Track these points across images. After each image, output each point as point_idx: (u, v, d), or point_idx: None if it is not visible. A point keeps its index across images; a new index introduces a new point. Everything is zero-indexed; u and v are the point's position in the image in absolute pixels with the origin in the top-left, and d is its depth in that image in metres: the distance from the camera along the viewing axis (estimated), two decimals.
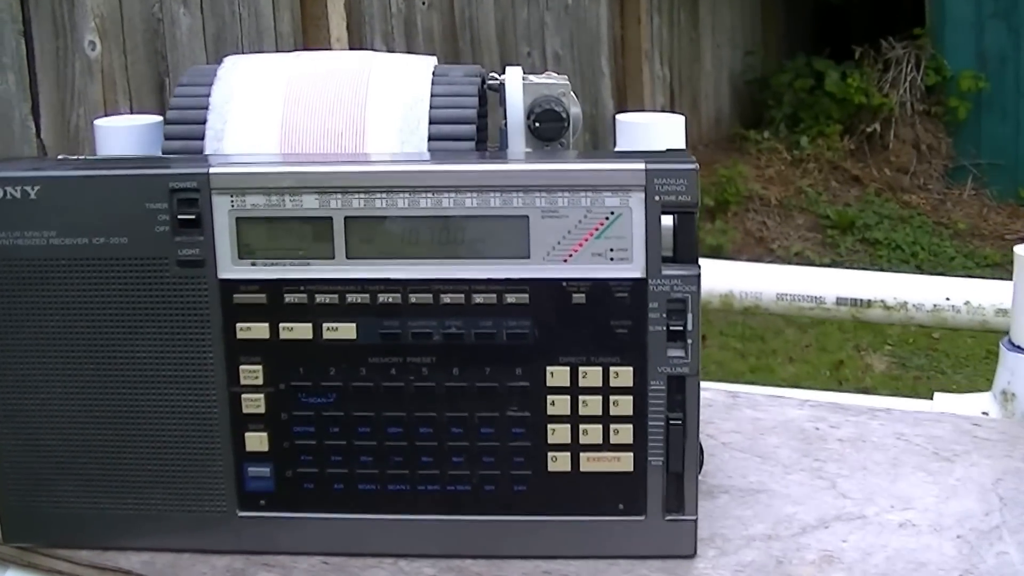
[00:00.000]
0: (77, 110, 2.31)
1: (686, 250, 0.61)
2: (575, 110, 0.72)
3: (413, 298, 0.62)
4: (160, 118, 0.74)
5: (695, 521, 0.64)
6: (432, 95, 0.70)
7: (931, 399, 1.02)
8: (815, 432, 0.82)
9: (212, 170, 0.61)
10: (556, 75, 0.72)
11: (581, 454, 0.63)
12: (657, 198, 0.60)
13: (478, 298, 0.62)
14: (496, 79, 0.72)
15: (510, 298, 0.62)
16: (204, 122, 0.69)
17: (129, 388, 0.63)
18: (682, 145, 0.75)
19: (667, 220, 0.62)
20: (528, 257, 0.61)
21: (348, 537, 0.65)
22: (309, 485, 0.64)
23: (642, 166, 0.60)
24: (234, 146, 0.68)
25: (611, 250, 0.61)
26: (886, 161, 4.53)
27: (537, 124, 0.70)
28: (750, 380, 2.76)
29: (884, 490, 0.73)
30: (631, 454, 0.63)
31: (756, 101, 4.86)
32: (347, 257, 0.62)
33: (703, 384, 0.91)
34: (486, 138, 0.76)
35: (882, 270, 3.70)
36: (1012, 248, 0.97)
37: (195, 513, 0.65)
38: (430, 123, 0.69)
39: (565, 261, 0.61)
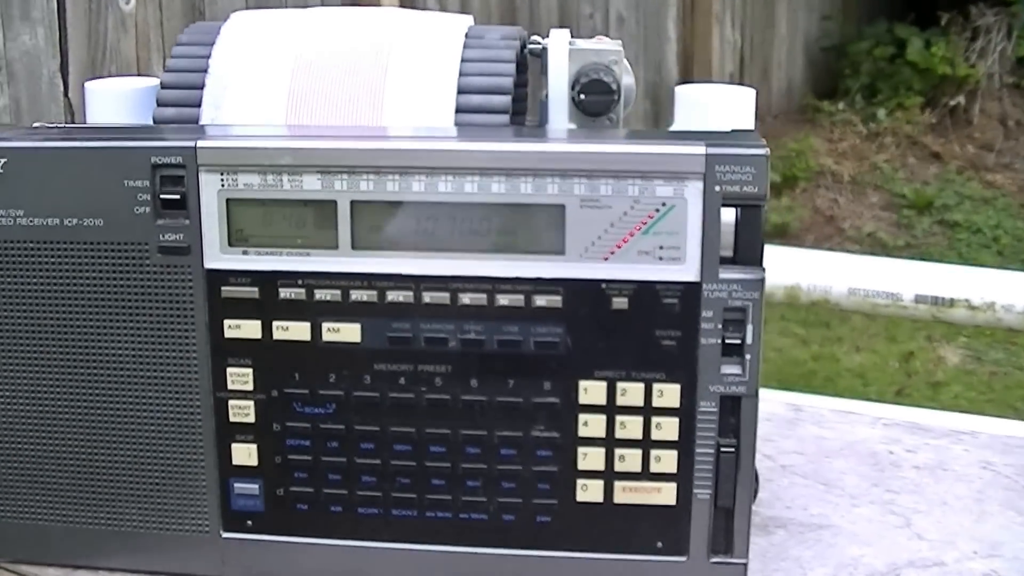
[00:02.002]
0: (108, 67, 2.27)
1: (749, 250, 0.54)
2: (627, 80, 0.65)
3: (427, 297, 0.55)
4: (157, 81, 0.68)
5: (745, 565, 0.57)
6: (463, 60, 0.63)
7: (1009, 399, 0.94)
8: (888, 457, 0.75)
9: (200, 143, 0.55)
10: (609, 40, 0.65)
11: (616, 483, 0.57)
12: (718, 188, 0.53)
13: (503, 299, 0.55)
14: (539, 43, 0.65)
15: (540, 300, 0.55)
16: (202, 87, 0.63)
17: (103, 390, 0.58)
18: (750, 123, 0.68)
19: (727, 214, 0.54)
20: (563, 253, 0.55)
21: (346, 567, 0.59)
22: (303, 506, 0.58)
23: (702, 150, 0.53)
24: (233, 115, 0.62)
25: (660, 248, 0.54)
26: (969, 137, 4.37)
27: (582, 96, 0.63)
28: (812, 369, 2.68)
29: (966, 531, 0.66)
30: (674, 485, 0.56)
31: (831, 70, 4.72)
32: (352, 247, 0.55)
33: (762, 394, 0.84)
34: (525, 111, 0.69)
35: (960, 255, 3.57)
36: None
37: (174, 532, 0.59)
38: (459, 92, 0.62)
39: (606, 259, 0.55)
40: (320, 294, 0.56)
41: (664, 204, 0.54)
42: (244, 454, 0.58)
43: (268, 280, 0.56)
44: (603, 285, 0.55)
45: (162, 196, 0.55)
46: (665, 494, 0.56)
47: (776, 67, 4.57)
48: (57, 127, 0.61)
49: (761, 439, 0.76)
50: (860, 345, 2.98)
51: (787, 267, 1.19)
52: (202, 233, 0.56)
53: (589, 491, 0.57)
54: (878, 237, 3.81)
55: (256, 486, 0.58)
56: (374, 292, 0.56)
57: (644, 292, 0.55)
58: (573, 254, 0.55)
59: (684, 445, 0.56)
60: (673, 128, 0.68)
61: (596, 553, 0.57)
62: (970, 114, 4.41)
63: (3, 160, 0.56)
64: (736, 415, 0.56)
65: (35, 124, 0.63)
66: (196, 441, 0.58)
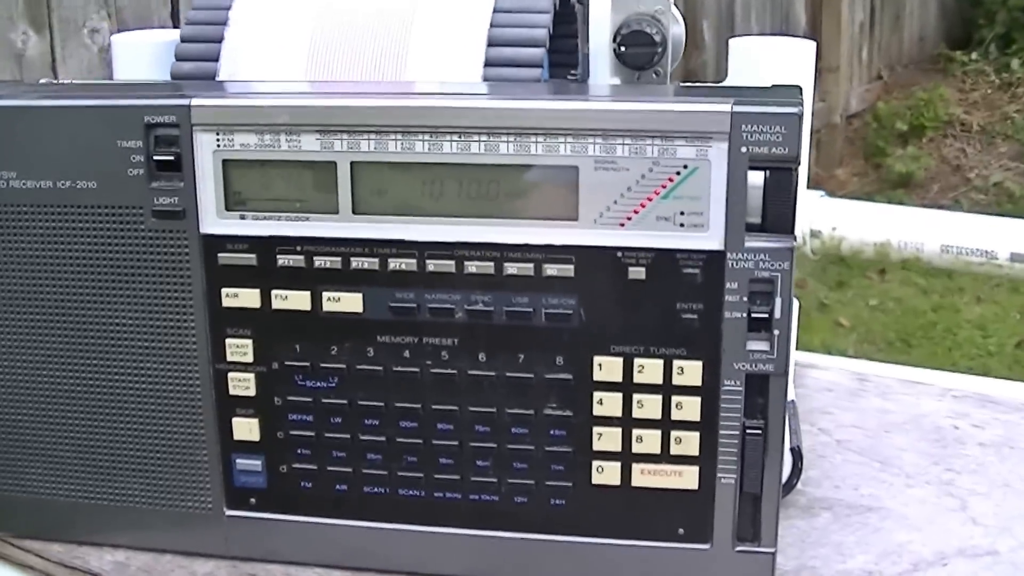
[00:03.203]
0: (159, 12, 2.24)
1: (779, 217, 0.51)
2: (676, 31, 0.61)
3: (431, 265, 0.53)
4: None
5: (773, 555, 0.54)
6: (495, 10, 0.60)
7: None
8: (953, 432, 0.71)
9: (194, 101, 0.53)
10: None
11: (634, 465, 0.54)
12: (744, 149, 0.50)
13: (511, 268, 0.52)
14: None
15: (551, 269, 0.52)
16: (222, 40, 0.61)
17: (101, 359, 0.56)
18: (809, 80, 0.64)
19: (755, 177, 0.51)
20: (576, 219, 0.52)
21: (351, 548, 0.57)
22: (307, 484, 0.56)
23: (727, 107, 0.50)
24: (253, 69, 0.60)
25: (681, 214, 0.51)
26: None
27: (623, 48, 0.59)
28: (932, 320, 2.61)
29: None
30: (696, 468, 0.53)
31: (965, 19, 4.58)
32: (353, 212, 0.53)
33: (827, 362, 0.81)
34: (575, 64, 0.66)
35: None
36: None
37: (178, 509, 0.58)
38: (489, 45, 0.59)
39: (622, 225, 0.51)
40: (320, 261, 0.54)
41: (686, 166, 0.51)
42: (245, 429, 0.56)
43: (266, 246, 0.54)
44: (619, 253, 0.52)
45: (156, 157, 0.54)
46: (687, 478, 0.54)
47: (908, 16, 4.43)
48: (53, 84, 0.59)
49: (819, 412, 0.73)
50: (982, 296, 2.89)
51: (878, 224, 1.14)
52: (197, 196, 0.54)
53: (605, 473, 0.54)
54: (1005, 187, 3.68)
55: (258, 462, 0.57)
56: (376, 260, 0.53)
57: (663, 261, 0.51)
58: (587, 220, 0.52)
59: (707, 426, 0.53)
60: (727, 83, 0.65)
61: (613, 539, 0.55)
62: None
63: None
64: (763, 395, 0.52)
65: (41, 80, 0.62)
66: (196, 414, 0.56)
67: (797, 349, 0.70)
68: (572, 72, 0.64)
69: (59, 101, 0.54)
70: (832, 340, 2.51)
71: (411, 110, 0.52)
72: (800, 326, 0.63)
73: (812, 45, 0.64)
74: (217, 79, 0.61)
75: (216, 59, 0.62)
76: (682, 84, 0.59)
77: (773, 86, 0.55)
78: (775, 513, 0.54)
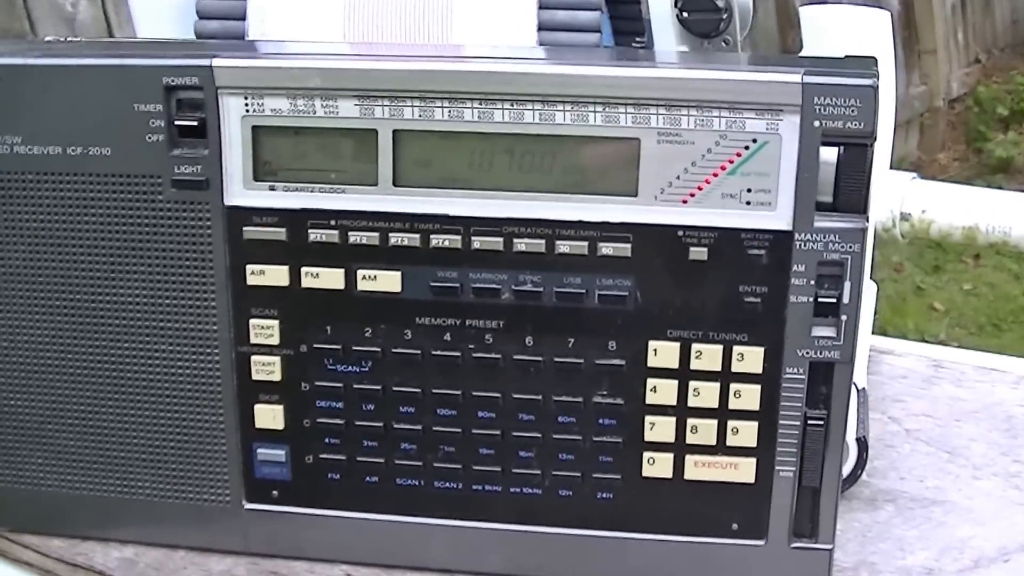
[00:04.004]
0: None
1: (851, 196, 0.48)
2: None
3: (477, 242, 0.50)
4: None
5: (830, 551, 0.52)
6: None
7: None
8: None
9: (217, 62, 0.49)
10: None
11: (687, 457, 0.51)
12: (817, 124, 0.47)
13: (563, 246, 0.50)
14: None
15: (606, 248, 0.49)
16: None
17: (112, 342, 0.53)
18: (886, 52, 0.61)
19: (827, 154, 0.48)
20: (635, 195, 0.49)
21: (382, 544, 0.54)
22: (335, 475, 0.53)
23: (798, 78, 0.47)
24: (284, 27, 0.57)
25: (748, 191, 0.48)
26: None
27: (684, 14, 0.57)
28: (1022, 305, 2.60)
29: None
30: (753, 460, 0.51)
31: None
32: (394, 184, 0.50)
33: (903, 348, 0.78)
34: (641, 31, 0.63)
35: None
36: None
37: (192, 502, 0.54)
38: (540, 7, 0.56)
39: (684, 203, 0.49)
40: (355, 237, 0.50)
41: (755, 140, 0.48)
42: (269, 416, 0.53)
43: (297, 219, 0.51)
44: (680, 232, 0.49)
45: (177, 123, 0.50)
46: (743, 470, 0.51)
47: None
48: (62, 41, 0.55)
49: (891, 400, 0.71)
50: None
51: (966, 207, 1.12)
52: (223, 165, 0.50)
53: (657, 465, 0.51)
54: None
55: (282, 452, 0.53)
56: (417, 236, 0.50)
57: (727, 241, 0.49)
58: (647, 196, 0.49)
59: (766, 416, 0.50)
60: (802, 54, 0.63)
61: (663, 535, 0.52)
62: None
63: None
64: (827, 383, 0.50)
65: (48, 38, 0.57)
66: (215, 400, 0.53)
67: (888, 334, 0.68)
68: (638, 39, 0.62)
69: (69, 60, 0.51)
70: (925, 324, 2.50)
71: (460, 75, 0.49)
72: (894, 310, 0.61)
73: (887, 15, 0.62)
74: (247, 38, 0.58)
75: (242, 16, 0.58)
76: (732, 55, 0.57)
77: (847, 57, 0.53)
78: (834, 508, 0.51)
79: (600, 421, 0.51)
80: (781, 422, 0.50)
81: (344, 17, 0.56)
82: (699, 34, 0.58)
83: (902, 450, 0.65)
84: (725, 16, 0.56)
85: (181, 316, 0.52)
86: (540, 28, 0.57)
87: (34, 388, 0.54)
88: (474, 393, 0.52)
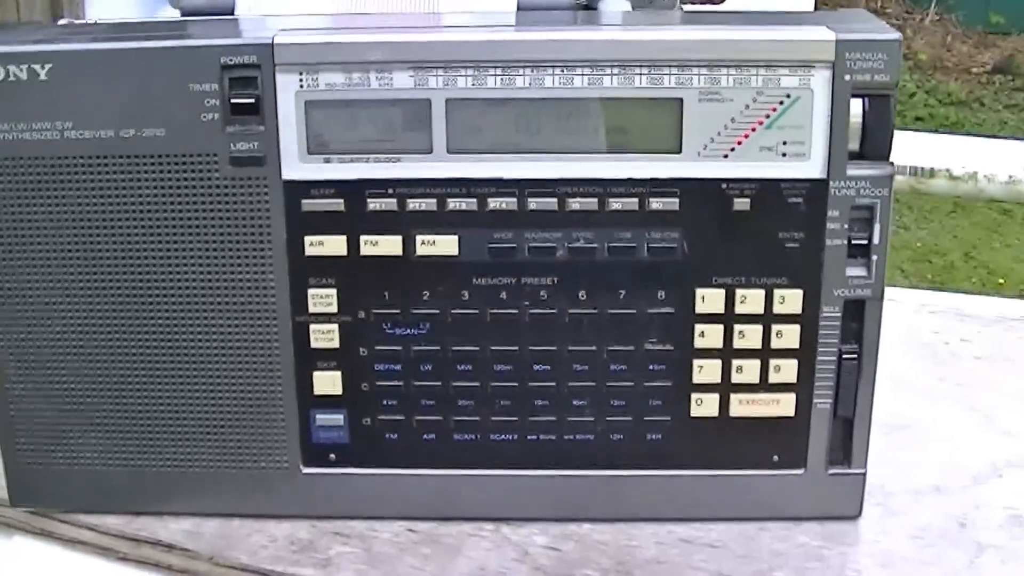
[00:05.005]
0: None
1: (878, 143, 0.53)
2: None
3: (532, 203, 0.53)
4: None
5: (863, 475, 0.57)
6: None
7: None
8: (945, 348, 0.75)
9: (277, 39, 0.51)
10: None
11: (732, 396, 0.55)
12: (848, 77, 0.51)
13: (615, 203, 0.53)
14: None
15: (655, 203, 0.53)
16: None
17: (168, 318, 0.54)
18: (810, 5, 0.66)
19: (855, 106, 0.52)
20: (679, 152, 0.52)
21: (440, 498, 0.57)
22: (392, 436, 0.56)
23: (832, 36, 0.51)
24: (276, 3, 0.58)
25: (784, 143, 0.52)
26: None
27: None
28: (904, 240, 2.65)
29: None
30: (793, 395, 0.55)
31: None
32: (448, 151, 0.52)
33: None
34: None
35: None
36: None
37: (249, 470, 0.56)
38: None
39: (725, 157, 0.53)
40: (413, 204, 0.53)
41: (789, 96, 0.52)
42: (327, 382, 0.55)
43: (355, 190, 0.53)
44: (723, 185, 0.53)
45: (233, 101, 0.51)
46: (784, 405, 0.55)
47: None
48: (97, 24, 0.56)
49: None
50: None
51: None
52: (279, 141, 0.52)
53: (704, 405, 0.55)
54: None
55: (340, 416, 0.56)
56: (473, 200, 0.53)
57: (767, 191, 0.53)
58: (691, 152, 0.52)
59: (804, 353, 0.55)
60: (728, 4, 0.66)
61: (709, 470, 0.56)
62: None
63: (49, 65, 0.51)
64: (859, 319, 0.55)
65: (61, 21, 0.58)
66: (273, 370, 0.55)
67: None
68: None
69: (123, 43, 0.52)
70: None
71: (513, 44, 0.51)
72: None
73: None
74: (235, 11, 0.59)
75: None
76: (738, 14, 0.60)
77: (839, 9, 0.57)
78: (866, 435, 0.56)
79: (651, 367, 0.55)
80: (819, 358, 0.55)
81: None
82: None
83: None
84: None
85: (238, 290, 0.54)
86: None
87: (90, 369, 0.55)
88: (530, 348, 0.55)
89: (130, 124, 0.52)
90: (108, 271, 0.53)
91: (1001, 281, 2.40)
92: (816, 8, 0.64)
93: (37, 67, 0.51)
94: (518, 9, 0.58)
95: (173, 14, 0.59)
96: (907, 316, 0.81)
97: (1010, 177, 1.24)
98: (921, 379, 0.72)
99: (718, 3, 0.64)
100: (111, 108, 0.51)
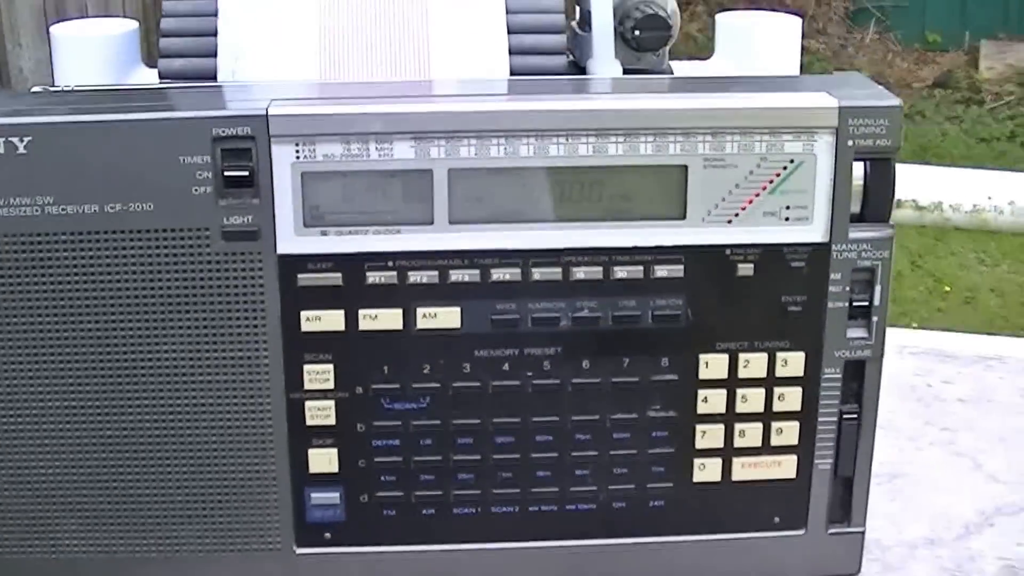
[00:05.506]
0: None
1: (879, 206, 0.53)
2: (672, 6, 0.62)
3: (536, 273, 0.52)
4: (135, 24, 0.61)
5: (863, 534, 0.57)
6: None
7: None
8: (929, 391, 0.76)
9: (272, 110, 0.49)
10: None
11: (735, 460, 0.55)
12: (851, 143, 0.52)
13: (620, 272, 0.52)
14: None
15: (660, 271, 0.52)
16: (214, 33, 0.57)
17: (154, 398, 0.52)
18: (796, 53, 0.66)
19: (856, 169, 0.53)
20: (683, 218, 0.52)
21: (439, 573, 0.55)
22: (390, 512, 0.55)
23: (835, 102, 0.51)
24: (259, 67, 0.56)
25: (787, 208, 0.52)
26: (780, 2, 4.46)
27: (637, 32, 0.60)
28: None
29: None
30: (794, 457, 0.55)
31: None
32: (450, 222, 0.51)
33: None
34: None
35: None
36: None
37: (237, 552, 0.54)
38: (509, 33, 0.58)
39: (729, 222, 0.52)
40: (415, 276, 0.51)
41: (792, 161, 0.52)
42: (323, 460, 0.53)
43: (353, 263, 0.51)
44: (727, 251, 0.53)
45: (226, 173, 0.49)
46: (785, 467, 0.56)
47: None
48: (76, 91, 0.53)
49: None
50: None
51: None
52: (275, 214, 0.50)
53: (707, 470, 0.55)
54: None
55: (336, 494, 0.54)
56: (476, 271, 0.52)
57: (770, 256, 0.53)
58: (695, 218, 0.52)
59: (806, 415, 0.55)
60: (715, 59, 0.66)
61: (711, 535, 0.56)
62: None
63: (28, 138, 0.48)
64: (859, 380, 0.55)
65: (34, 88, 0.55)
66: (266, 449, 0.53)
67: None
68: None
69: (108, 116, 0.49)
70: None
71: (517, 114, 0.50)
72: None
73: (798, 21, 0.67)
74: (217, 77, 0.57)
75: (209, 54, 0.57)
76: (737, 79, 0.60)
77: (837, 74, 0.57)
78: (865, 493, 0.57)
79: (654, 434, 0.54)
80: (820, 419, 0.55)
81: (318, 52, 0.56)
82: (646, 50, 0.61)
83: None
84: (672, 33, 0.59)
85: (229, 368, 0.52)
86: (511, 52, 0.58)
87: (69, 455, 0.52)
88: (532, 419, 0.54)
89: (116, 198, 0.49)
90: (91, 351, 0.51)
91: (947, 289, 2.46)
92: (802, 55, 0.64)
93: (15, 140, 0.48)
94: (511, 75, 0.57)
95: (147, 76, 0.56)
96: (890, 358, 0.81)
97: (974, 206, 1.26)
98: (908, 424, 0.73)
99: (705, 58, 0.64)
100: (96, 182, 0.49)
